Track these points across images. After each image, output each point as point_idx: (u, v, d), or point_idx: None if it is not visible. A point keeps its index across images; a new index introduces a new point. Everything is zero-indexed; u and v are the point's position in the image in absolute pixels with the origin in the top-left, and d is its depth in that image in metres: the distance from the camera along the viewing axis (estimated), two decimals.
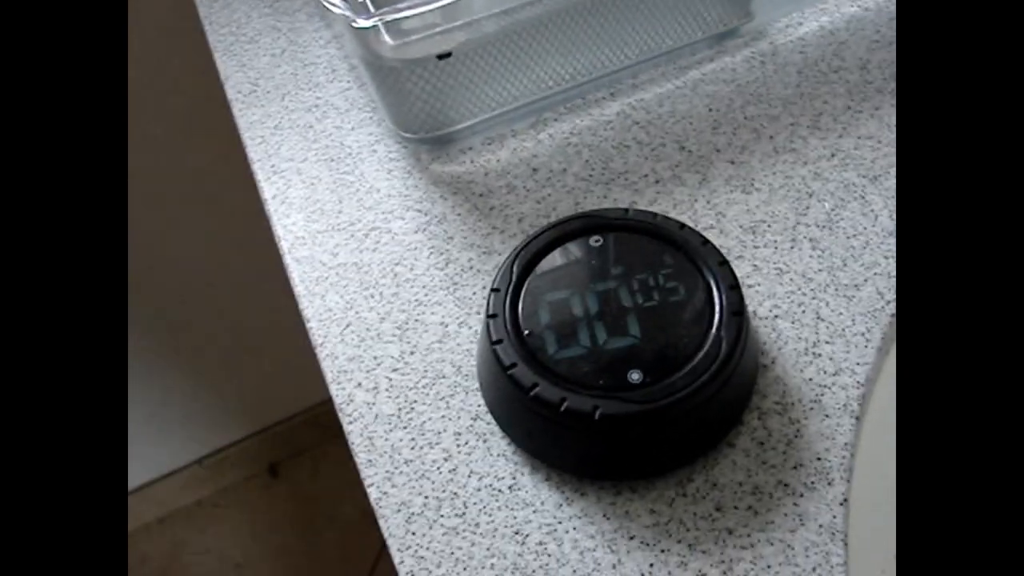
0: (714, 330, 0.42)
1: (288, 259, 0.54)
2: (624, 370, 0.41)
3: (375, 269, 0.53)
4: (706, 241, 0.45)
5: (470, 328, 0.50)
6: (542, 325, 0.43)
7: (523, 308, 0.44)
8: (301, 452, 1.55)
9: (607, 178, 0.55)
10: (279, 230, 0.56)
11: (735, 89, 0.59)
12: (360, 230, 0.55)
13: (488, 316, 0.43)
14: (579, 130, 0.58)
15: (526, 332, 0.43)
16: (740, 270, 0.50)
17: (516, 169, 0.56)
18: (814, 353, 0.47)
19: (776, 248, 0.51)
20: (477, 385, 0.47)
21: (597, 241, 0.46)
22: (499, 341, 0.42)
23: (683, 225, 0.46)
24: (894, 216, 0.52)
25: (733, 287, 0.43)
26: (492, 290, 0.44)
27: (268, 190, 0.58)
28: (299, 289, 0.53)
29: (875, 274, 0.49)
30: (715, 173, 0.54)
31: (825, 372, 0.46)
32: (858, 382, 0.46)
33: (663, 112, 0.58)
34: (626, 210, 0.47)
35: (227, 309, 1.32)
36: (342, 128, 0.60)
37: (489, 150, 0.57)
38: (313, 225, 0.55)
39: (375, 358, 0.49)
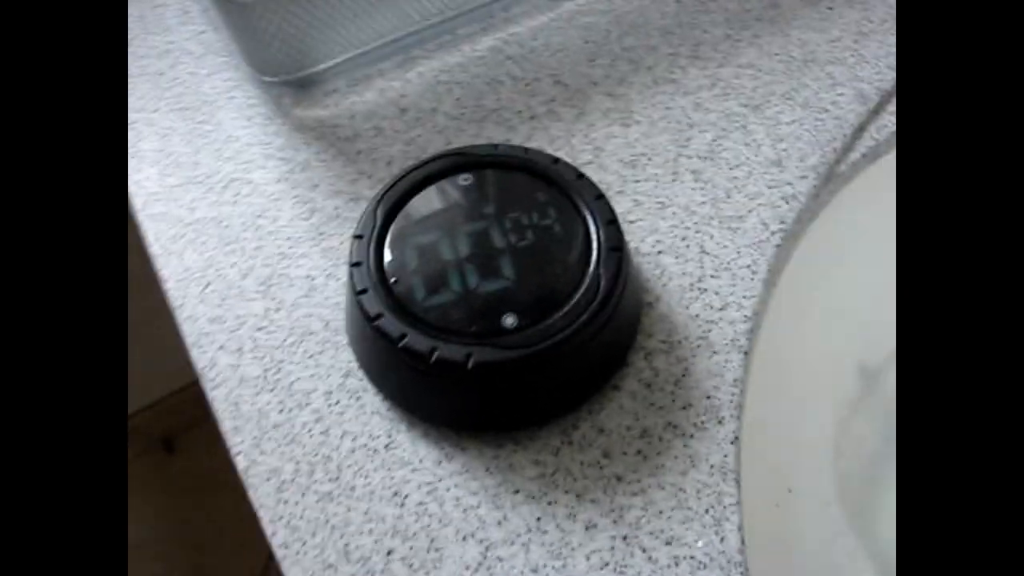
0: (592, 268, 0.40)
1: (141, 216, 0.50)
2: (498, 315, 0.39)
3: (236, 223, 0.49)
4: (581, 175, 0.42)
5: (338, 280, 0.46)
6: (409, 271, 0.40)
7: (389, 255, 0.41)
8: (196, 424, 1.49)
9: (480, 116, 0.52)
10: (132, 187, 0.51)
11: (612, 20, 0.56)
12: (219, 182, 0.51)
13: (351, 265, 0.40)
14: (450, 67, 0.55)
15: (392, 280, 0.40)
16: (621, 206, 0.48)
17: (384, 111, 0.53)
18: (700, 288, 0.45)
19: (657, 182, 0.49)
20: (347, 340, 0.44)
21: (466, 180, 0.43)
22: (364, 291, 0.39)
23: (556, 159, 0.43)
24: (776, 146, 0.50)
25: (611, 222, 0.41)
26: (355, 237, 0.41)
27: None
28: (154, 248, 0.49)
29: (759, 205, 0.48)
30: (592, 107, 0.52)
31: (711, 307, 0.44)
32: (745, 316, 0.44)
33: (537, 46, 0.55)
34: (496, 146, 0.44)
35: None
36: (197, 74, 0.56)
37: (355, 92, 0.54)
38: (168, 179, 0.51)
39: (238, 317, 0.46)
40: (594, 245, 0.40)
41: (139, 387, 1.45)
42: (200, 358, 0.45)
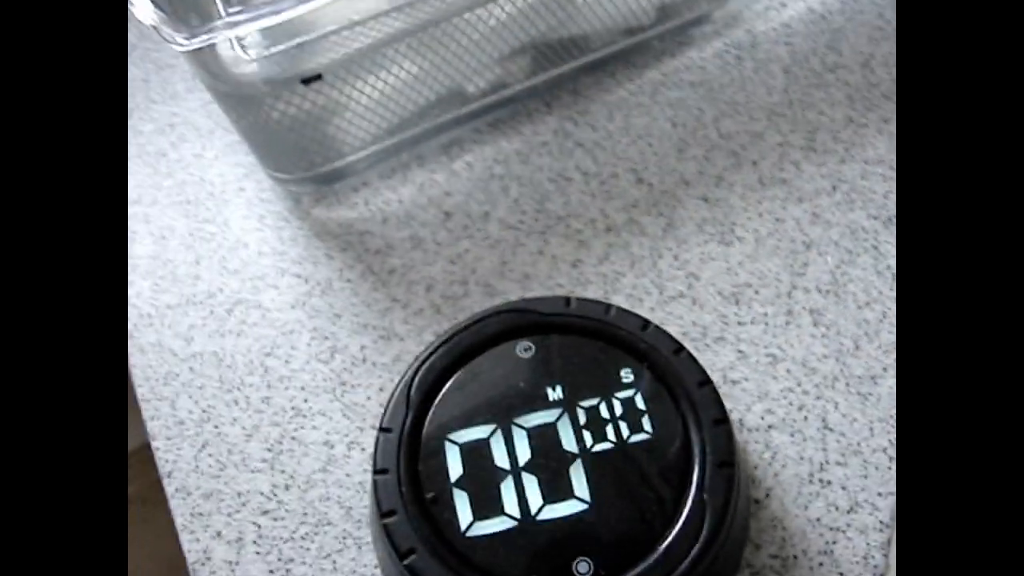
0: (693, 490, 0.30)
1: (130, 347, 0.41)
2: (568, 557, 0.29)
3: (240, 361, 0.40)
4: (679, 348, 0.33)
5: (362, 450, 0.37)
6: (451, 482, 0.31)
7: (424, 457, 0.31)
8: None
9: (543, 225, 0.42)
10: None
11: (705, 95, 0.46)
12: (222, 304, 0.42)
13: (376, 472, 0.31)
14: (505, 155, 0.45)
15: (429, 495, 0.30)
16: (722, 358, 0.38)
17: (424, 214, 0.43)
18: (821, 480, 0.35)
19: (767, 325, 0.39)
20: (371, 538, 0.35)
21: (528, 349, 0.33)
22: (391, 512, 0.30)
23: (647, 323, 0.33)
24: None
25: (719, 421, 0.31)
26: (380, 430, 0.32)
27: None
28: (142, 390, 0.40)
29: (896, 360, 0.37)
30: (684, 216, 0.42)
31: (837, 508, 0.34)
32: (881, 521, 0.34)
33: (613, 129, 0.45)
34: (567, 299, 0.34)
35: None
36: (203, 156, 0.47)
37: (388, 186, 0.44)
38: (163, 297, 0.42)
39: (239, 495, 0.37)
40: (696, 454, 0.31)
41: None
42: (191, 548, 0.36)
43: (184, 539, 0.36)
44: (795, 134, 0.44)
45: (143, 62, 0.51)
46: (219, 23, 0.33)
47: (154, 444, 0.39)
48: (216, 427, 0.38)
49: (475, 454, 0.31)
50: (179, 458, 0.38)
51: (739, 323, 0.39)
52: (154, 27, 0.33)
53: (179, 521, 0.37)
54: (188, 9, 0.40)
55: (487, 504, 0.30)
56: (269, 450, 0.38)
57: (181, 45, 0.33)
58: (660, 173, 0.43)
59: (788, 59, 0.46)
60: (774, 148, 0.43)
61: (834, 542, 0.34)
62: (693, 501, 0.30)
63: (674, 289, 0.40)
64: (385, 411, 0.32)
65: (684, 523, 0.29)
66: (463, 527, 0.30)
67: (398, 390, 0.32)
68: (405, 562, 0.29)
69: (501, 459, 0.31)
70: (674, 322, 0.39)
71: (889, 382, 0.37)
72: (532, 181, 0.43)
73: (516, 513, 0.30)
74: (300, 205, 0.44)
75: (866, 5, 0.48)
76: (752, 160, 0.43)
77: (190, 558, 0.36)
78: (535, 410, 0.32)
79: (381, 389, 0.38)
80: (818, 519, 0.34)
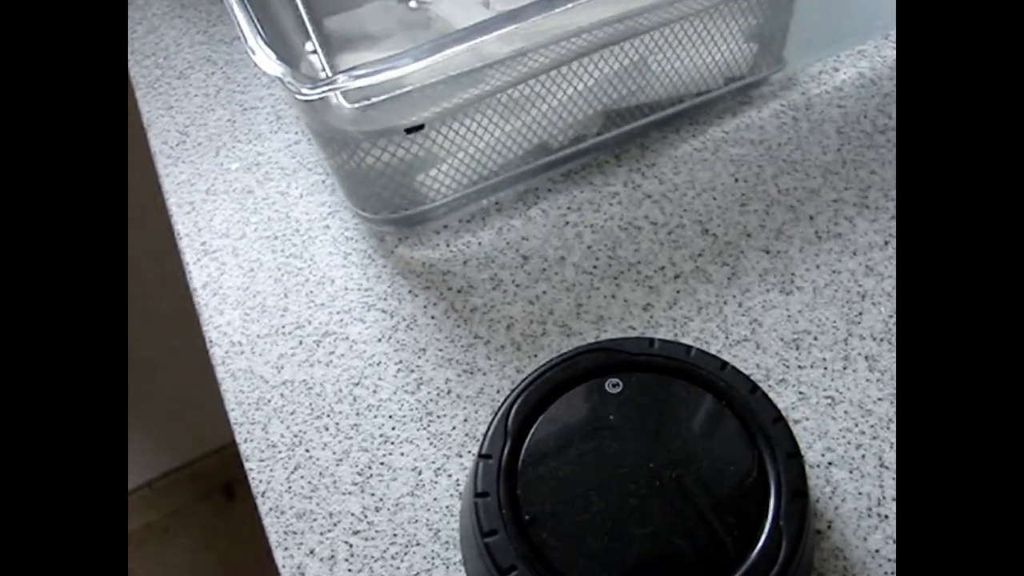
0: (770, 519, 0.32)
1: (221, 372, 0.44)
2: None
3: (329, 390, 0.43)
4: (755, 387, 0.35)
5: (449, 476, 0.40)
6: (548, 507, 0.33)
7: (522, 482, 0.34)
8: None
9: (615, 271, 0.45)
10: (211, 333, 0.45)
11: (764, 153, 0.49)
12: (310, 335, 0.44)
13: (476, 495, 0.33)
14: (578, 204, 0.48)
15: (527, 518, 0.33)
16: (784, 399, 0.40)
17: (503, 256, 0.46)
18: (879, 515, 0.38)
19: (826, 369, 0.41)
20: (460, 558, 0.37)
21: (615, 386, 0.36)
22: (492, 532, 0.33)
23: (725, 364, 0.36)
24: None
25: (792, 455, 0.34)
26: (480, 456, 0.34)
27: (198, 276, 0.47)
28: (235, 414, 0.43)
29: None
30: (747, 266, 0.45)
31: (895, 541, 0.37)
32: None
33: (680, 182, 0.48)
34: (651, 341, 0.37)
35: (178, 325, 1.21)
36: (288, 195, 0.50)
37: (469, 230, 0.47)
38: (252, 327, 0.45)
39: (331, 515, 0.39)
40: (772, 485, 0.33)
41: (206, 432, 1.41)
42: (286, 564, 0.38)
43: (278, 555, 0.39)
44: (849, 191, 0.47)
45: (229, 104, 0.54)
46: (341, 76, 0.36)
47: (247, 465, 0.41)
48: (307, 451, 0.41)
49: (568, 481, 0.34)
50: (272, 479, 0.41)
51: (799, 367, 0.41)
52: (279, 78, 0.36)
53: (273, 539, 0.39)
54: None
55: (582, 529, 0.33)
56: (359, 474, 0.40)
57: (305, 95, 0.36)
58: (724, 225, 0.46)
59: (841, 120, 0.49)
60: (829, 204, 0.46)
61: (893, 572, 0.36)
62: (770, 528, 0.32)
63: (739, 334, 0.42)
64: (484, 439, 0.35)
65: (762, 548, 0.32)
66: (560, 549, 0.32)
67: (496, 420, 0.35)
68: None
69: (594, 487, 0.33)
70: (739, 364, 0.41)
71: None
72: (604, 229, 0.46)
73: (609, 539, 0.32)
74: (384, 244, 0.47)
75: None
76: (809, 215, 0.46)
77: (284, 574, 0.38)
78: (623, 439, 0.34)
79: (466, 420, 0.41)
80: (877, 550, 0.37)
